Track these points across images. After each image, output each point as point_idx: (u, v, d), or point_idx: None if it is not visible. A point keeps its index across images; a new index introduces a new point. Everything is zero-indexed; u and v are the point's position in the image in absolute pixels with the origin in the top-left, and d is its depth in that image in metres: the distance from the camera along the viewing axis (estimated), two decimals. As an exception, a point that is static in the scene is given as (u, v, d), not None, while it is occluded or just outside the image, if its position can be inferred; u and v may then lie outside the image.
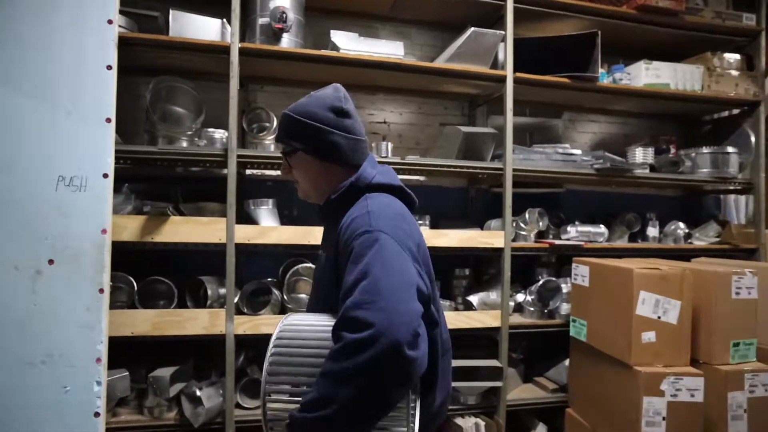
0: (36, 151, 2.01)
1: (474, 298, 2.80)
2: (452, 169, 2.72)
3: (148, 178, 2.75)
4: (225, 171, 2.98)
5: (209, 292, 2.37)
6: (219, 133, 2.64)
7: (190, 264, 2.64)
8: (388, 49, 2.65)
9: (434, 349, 1.05)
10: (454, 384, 2.57)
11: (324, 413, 0.80)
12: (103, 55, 2.10)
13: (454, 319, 2.63)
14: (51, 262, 2.01)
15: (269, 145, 2.58)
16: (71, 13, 2.08)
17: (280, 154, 2.74)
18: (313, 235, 2.43)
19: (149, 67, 2.59)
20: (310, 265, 2.52)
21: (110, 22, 2.13)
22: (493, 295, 2.78)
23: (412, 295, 0.86)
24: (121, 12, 2.24)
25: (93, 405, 2.02)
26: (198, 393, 2.38)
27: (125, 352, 2.30)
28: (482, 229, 2.93)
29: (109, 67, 2.11)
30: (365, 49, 2.57)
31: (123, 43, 2.18)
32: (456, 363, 2.62)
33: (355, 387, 0.79)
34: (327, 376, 0.82)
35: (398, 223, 0.99)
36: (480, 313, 2.66)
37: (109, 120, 2.09)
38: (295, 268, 2.48)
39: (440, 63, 2.71)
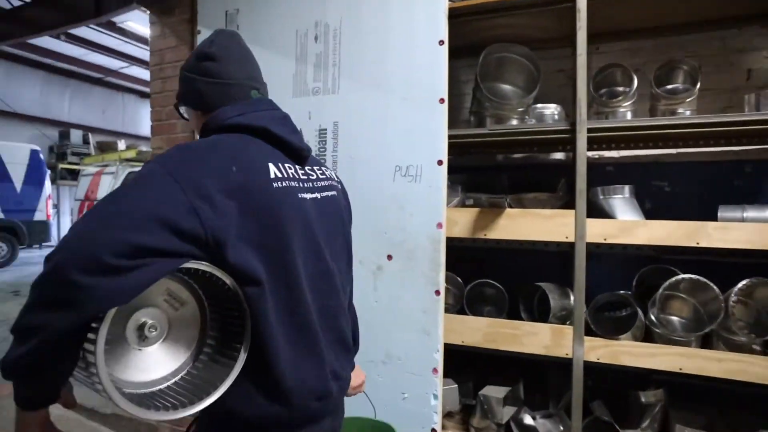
0: (375, 141, 1.94)
1: None
2: None
3: (466, 167, 2.50)
4: (554, 156, 2.52)
5: (551, 302, 1.90)
6: (549, 109, 2.17)
7: (520, 265, 2.25)
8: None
9: (256, 311, 0.83)
10: None
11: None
12: (434, 29, 1.89)
13: None
14: (389, 257, 1.91)
15: (624, 112, 1.95)
16: (405, -11, 1.94)
17: (637, 124, 2.15)
18: (704, 233, 1.67)
19: (471, 43, 2.31)
20: (698, 278, 1.75)
21: (440, -7, 1.92)
22: None
23: (132, 224, 0.70)
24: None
25: (430, 420, 1.81)
26: (532, 422, 1.96)
27: (450, 361, 2.05)
28: None
29: (441, 42, 1.89)
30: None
31: (450, 16, 1.93)
32: None
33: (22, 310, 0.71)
34: None
35: (198, 154, 0.83)
36: None
37: (442, 100, 1.86)
38: (674, 279, 1.77)
39: None
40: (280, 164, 0.92)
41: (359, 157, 1.96)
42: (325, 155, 2.03)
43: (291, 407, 0.86)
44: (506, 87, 2.22)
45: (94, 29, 7.95)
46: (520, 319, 2.08)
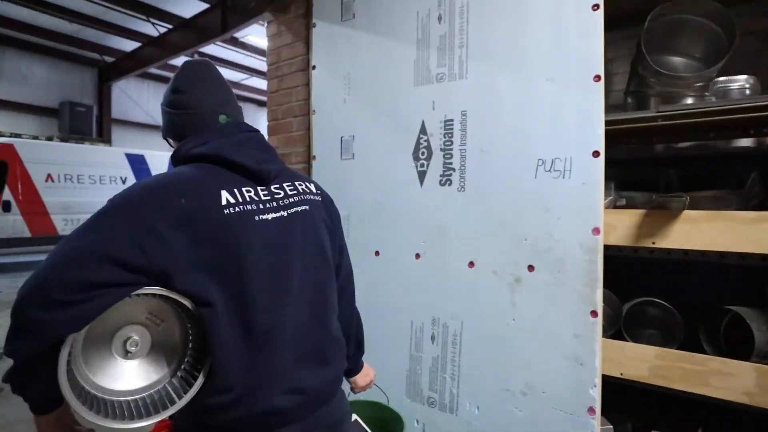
0: (512, 131, 1.65)
1: None
2: None
3: (615, 160, 2.08)
4: (738, 143, 2.01)
5: (755, 333, 1.45)
6: (737, 82, 1.72)
7: (697, 282, 1.80)
8: None
9: (209, 331, 0.88)
10: None
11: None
12: (586, -8, 1.56)
13: None
14: (531, 268, 1.60)
15: None
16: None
17: None
18: None
19: (622, 11, 1.91)
20: None
21: (593, -53, 1.57)
22: None
23: (82, 263, 0.79)
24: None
25: (584, 471, 1.47)
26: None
27: (603, 394, 1.68)
28: None
29: (596, 7, 1.54)
30: None
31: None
32: None
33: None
34: None
35: (147, 190, 0.88)
36: None
37: (598, 78, 1.52)
38: None
39: None
40: (235, 189, 0.95)
41: (492, 151, 1.68)
42: (450, 149, 1.78)
43: (232, 421, 0.91)
44: (676, 59, 1.78)
45: (220, 45, 8.61)
46: (698, 350, 1.64)
